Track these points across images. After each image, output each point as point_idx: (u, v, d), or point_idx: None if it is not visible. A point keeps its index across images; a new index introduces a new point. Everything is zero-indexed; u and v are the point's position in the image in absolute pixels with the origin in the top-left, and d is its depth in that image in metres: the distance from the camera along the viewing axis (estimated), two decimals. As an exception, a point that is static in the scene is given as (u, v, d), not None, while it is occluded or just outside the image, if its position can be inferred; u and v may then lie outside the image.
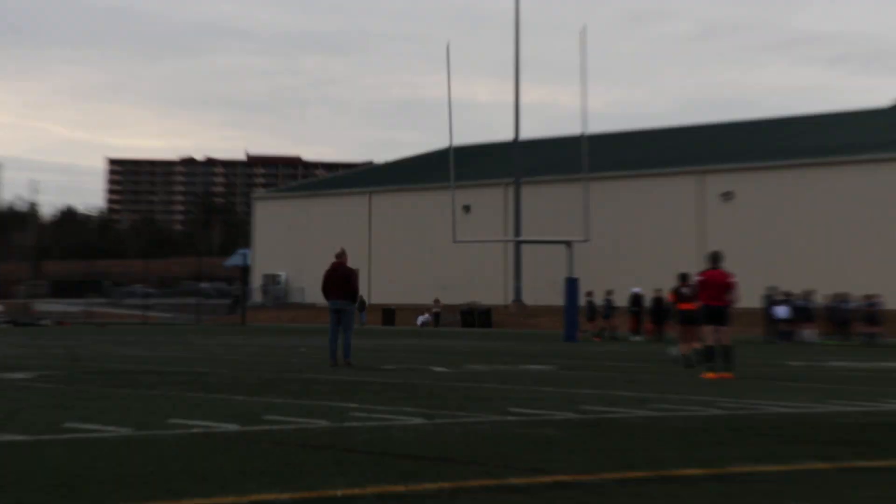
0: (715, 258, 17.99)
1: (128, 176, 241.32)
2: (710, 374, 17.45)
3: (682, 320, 21.73)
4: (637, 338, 41.18)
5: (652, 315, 40.13)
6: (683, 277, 22.58)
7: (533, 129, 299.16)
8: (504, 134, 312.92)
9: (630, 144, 73.16)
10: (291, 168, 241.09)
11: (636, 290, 43.13)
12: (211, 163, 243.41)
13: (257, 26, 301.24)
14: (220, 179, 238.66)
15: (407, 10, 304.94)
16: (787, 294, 40.89)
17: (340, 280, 19.80)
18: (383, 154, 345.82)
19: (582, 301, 40.81)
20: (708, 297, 17.66)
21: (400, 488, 6.40)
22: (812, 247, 57.04)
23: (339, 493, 6.23)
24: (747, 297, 58.80)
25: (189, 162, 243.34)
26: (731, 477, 7.08)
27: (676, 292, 22.13)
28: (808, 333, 39.48)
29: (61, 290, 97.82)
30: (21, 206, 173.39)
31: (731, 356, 17.77)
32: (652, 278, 60.76)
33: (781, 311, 39.22)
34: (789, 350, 33.51)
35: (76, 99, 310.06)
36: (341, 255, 20.25)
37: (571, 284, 40.13)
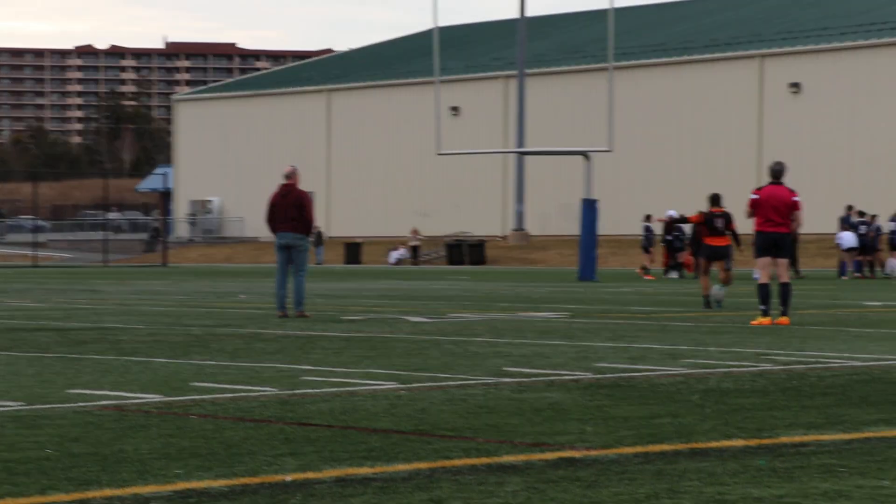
0: (776, 172, 18.18)
1: (5, 72, 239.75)
2: (762, 320, 17.78)
3: (709, 256, 22.42)
4: (673, 274, 41.65)
5: (693, 246, 40.57)
6: (715, 200, 23.01)
7: (541, 4, 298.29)
8: (502, 10, 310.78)
9: (666, 21, 73.07)
10: (224, 59, 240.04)
11: (671, 212, 43.51)
12: (117, 53, 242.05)
13: None
14: (129, 76, 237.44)
15: None
16: (866, 216, 41.23)
17: (290, 207, 19.95)
18: (345, 39, 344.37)
19: (639, 228, 41.49)
20: (765, 220, 17.87)
21: (366, 470, 6.65)
22: (904, 153, 57.35)
23: (288, 478, 6.47)
24: (823, 217, 59.12)
25: (88, 52, 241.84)
26: (781, 449, 7.36)
27: (707, 220, 22.60)
28: (892, 264, 39.99)
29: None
30: None
31: (788, 296, 18.12)
32: (693, 199, 60.98)
33: (847, 238, 39.70)
34: (865, 286, 33.90)
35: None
36: (291, 176, 20.38)
37: (589, 208, 40.40)
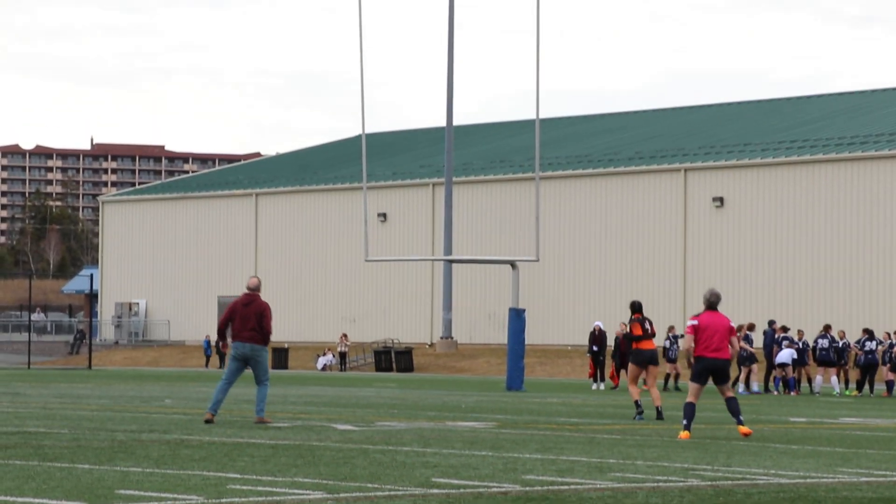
0: (713, 302, 18.46)
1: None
2: (683, 434, 17.95)
3: (641, 361, 22.47)
4: (598, 385, 41.74)
5: (616, 358, 40.75)
6: (638, 307, 23.21)
7: (468, 114, 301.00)
8: (431, 119, 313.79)
9: (591, 132, 73.98)
10: (152, 161, 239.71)
11: (598, 323, 43.69)
12: (43, 153, 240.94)
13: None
14: (56, 176, 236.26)
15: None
16: (787, 331, 41.57)
17: (252, 317, 19.79)
18: (273, 144, 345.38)
19: (664, 340, 41.47)
20: (704, 347, 18.06)
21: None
22: (829, 269, 58.12)
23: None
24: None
25: (14, 152, 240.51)
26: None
27: (641, 325, 22.70)
28: (820, 381, 40.20)
29: None
30: None
31: (737, 406, 18.28)
32: (618, 310, 61.35)
33: (785, 354, 39.94)
34: (791, 402, 34.15)
35: None
36: (257, 288, 20.31)
37: (516, 317, 40.50)
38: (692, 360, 18.23)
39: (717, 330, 18.19)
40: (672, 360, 42.10)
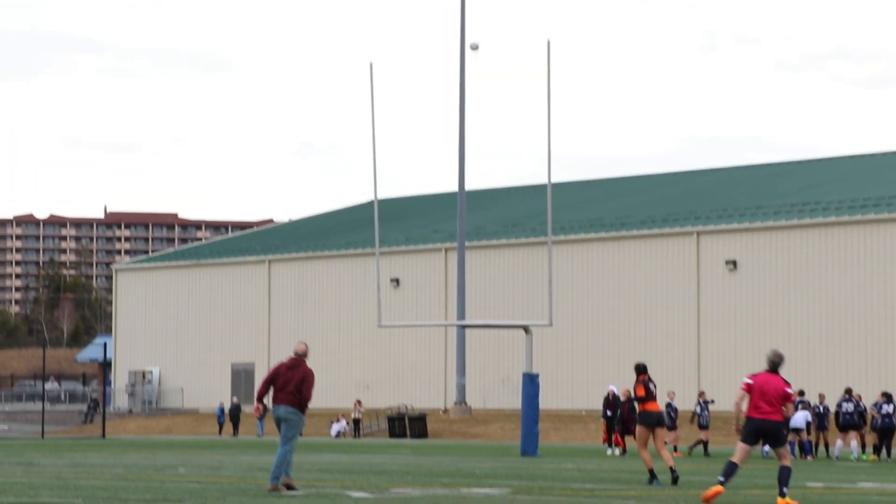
0: (774, 364, 17.92)
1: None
2: (715, 489, 17.48)
3: (648, 423, 22.29)
4: (613, 450, 41.55)
5: (621, 424, 40.63)
6: (643, 369, 23.13)
7: (480, 179, 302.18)
8: (442, 184, 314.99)
9: (605, 197, 74.10)
10: (165, 229, 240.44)
11: (612, 388, 43.55)
12: (57, 222, 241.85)
13: (109, 35, 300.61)
14: (69, 244, 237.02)
15: (312, 16, 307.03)
16: (802, 395, 41.34)
17: (294, 381, 19.75)
18: (285, 211, 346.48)
19: (693, 405, 41.18)
20: (755, 407, 17.59)
21: None
22: (844, 331, 57.97)
23: None
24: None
25: (28, 221, 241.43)
26: None
27: (646, 387, 22.59)
28: (840, 445, 39.94)
29: None
30: None
31: (788, 477, 17.73)
32: (633, 374, 61.07)
33: (799, 418, 39.69)
34: (808, 467, 33.94)
35: None
36: (305, 354, 20.30)
37: (530, 382, 40.39)
38: (740, 421, 17.72)
39: (772, 392, 17.66)
40: (703, 427, 41.78)
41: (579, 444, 53.23)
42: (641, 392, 22.74)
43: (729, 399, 45.36)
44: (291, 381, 19.77)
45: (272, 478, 20.04)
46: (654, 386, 22.93)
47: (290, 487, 19.91)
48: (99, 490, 21.04)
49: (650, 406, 22.64)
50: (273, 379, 19.87)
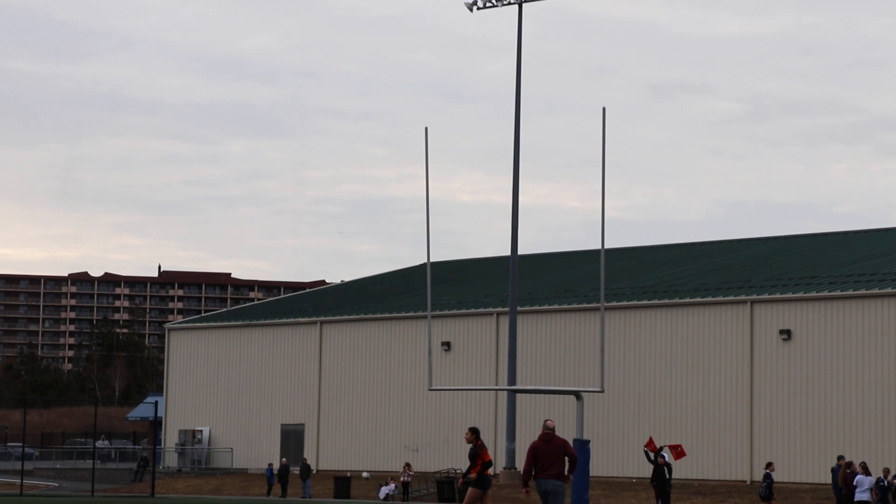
0: None
1: (0, 298, 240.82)
2: None
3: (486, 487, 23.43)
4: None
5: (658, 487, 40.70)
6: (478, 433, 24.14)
7: (531, 240, 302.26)
8: (493, 247, 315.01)
9: (657, 263, 73.94)
10: (218, 289, 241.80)
11: (664, 455, 43.27)
12: (111, 280, 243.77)
13: (165, 97, 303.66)
14: (123, 303, 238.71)
15: (363, 79, 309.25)
16: (866, 468, 40.85)
17: (553, 454, 20.69)
18: (336, 271, 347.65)
19: (757, 475, 40.96)
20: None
21: None
22: None
23: None
24: (815, 467, 58.78)
25: (82, 279, 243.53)
26: None
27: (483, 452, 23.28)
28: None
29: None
30: None
31: None
32: (684, 441, 60.78)
33: (866, 485, 39.17)
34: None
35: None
36: (553, 429, 21.37)
37: (581, 448, 40.18)
38: None
39: None
40: (764, 499, 41.31)
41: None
42: (488, 457, 23.71)
43: (784, 470, 44.89)
44: (552, 456, 20.97)
45: None
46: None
47: None
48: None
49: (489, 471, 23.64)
50: (534, 458, 21.24)
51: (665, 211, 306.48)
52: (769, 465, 43.11)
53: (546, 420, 21.91)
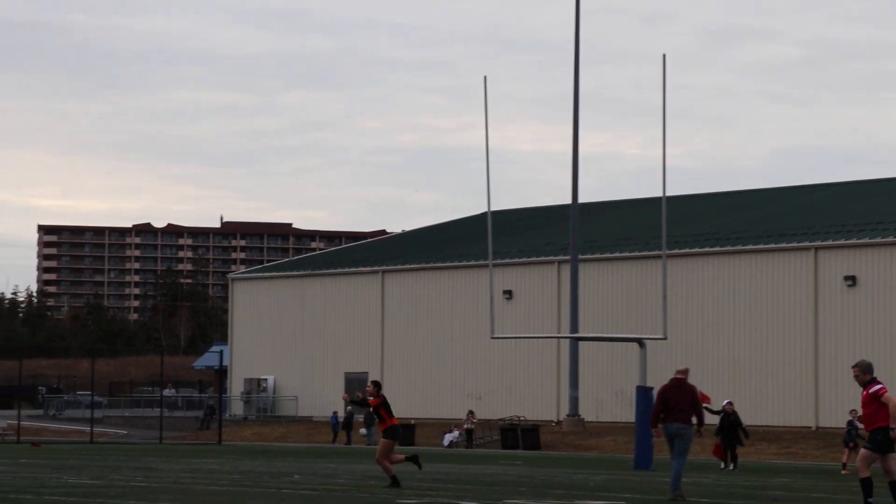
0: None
1: (65, 249, 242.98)
2: None
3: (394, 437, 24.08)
4: (729, 465, 41.15)
5: (723, 433, 40.62)
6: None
7: (590, 188, 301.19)
8: (552, 196, 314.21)
9: (719, 210, 73.44)
10: (279, 239, 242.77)
11: (727, 402, 43.10)
12: (174, 231, 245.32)
13: (221, 49, 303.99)
14: (186, 254, 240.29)
15: (420, 29, 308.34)
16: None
17: (683, 399, 21.00)
18: (396, 221, 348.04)
19: (823, 422, 40.74)
20: None
21: None
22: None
23: None
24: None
25: (146, 230, 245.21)
26: None
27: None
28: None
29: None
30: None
31: None
32: (747, 389, 60.51)
33: None
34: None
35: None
36: (685, 372, 22.16)
37: (644, 395, 40.23)
38: None
39: None
40: (848, 445, 40.77)
41: (693, 459, 52.75)
42: (376, 403, 24.25)
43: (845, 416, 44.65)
44: (681, 401, 21.34)
45: (672, 488, 21.63)
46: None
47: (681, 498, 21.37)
48: (216, 496, 21.30)
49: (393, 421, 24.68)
50: (664, 401, 21.55)
51: (725, 158, 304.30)
52: (853, 412, 42.71)
53: (681, 367, 22.48)
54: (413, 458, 25.21)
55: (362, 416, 66.28)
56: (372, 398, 24.77)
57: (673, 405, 21.40)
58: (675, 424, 21.39)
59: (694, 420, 21.66)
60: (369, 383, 25.60)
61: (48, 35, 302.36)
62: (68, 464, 34.44)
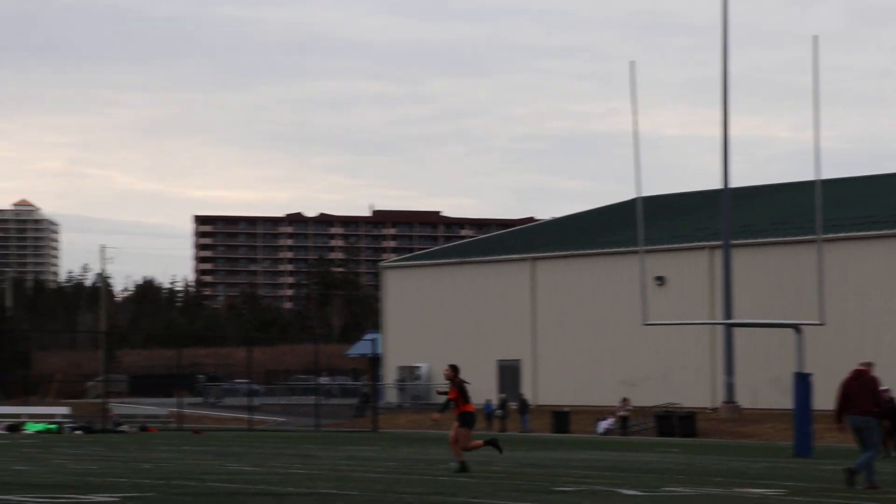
0: None
1: (220, 239, 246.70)
2: None
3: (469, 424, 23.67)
4: (894, 452, 40.27)
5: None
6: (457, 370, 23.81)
7: (741, 173, 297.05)
8: (702, 181, 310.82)
9: (876, 193, 71.97)
10: (429, 227, 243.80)
11: (885, 389, 42.11)
12: (326, 221, 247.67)
13: (368, 38, 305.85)
14: (338, 243, 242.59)
15: (566, 14, 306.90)
16: None
17: (866, 389, 21.14)
18: (544, 208, 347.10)
19: None
20: None
21: None
22: None
23: None
24: None
25: (298, 220, 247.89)
26: None
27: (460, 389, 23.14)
28: None
29: (143, 386, 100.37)
30: (88, 280, 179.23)
31: None
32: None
33: None
34: None
35: (144, 137, 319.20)
36: (868, 364, 22.46)
37: (802, 382, 39.62)
38: None
39: None
40: None
41: (855, 446, 51.78)
42: (454, 394, 23.65)
43: None
44: (862, 392, 21.72)
45: (868, 479, 21.73)
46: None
47: (874, 487, 21.44)
48: (374, 482, 21.47)
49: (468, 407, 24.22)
50: (845, 393, 21.82)
51: (878, 140, 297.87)
52: None
53: (862, 360, 22.53)
54: (493, 443, 25.21)
55: (515, 403, 66.25)
56: (450, 390, 24.62)
57: (853, 397, 21.49)
58: (858, 417, 21.33)
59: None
60: (446, 366, 25.45)
61: (198, 28, 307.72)
62: (229, 451, 35.02)
